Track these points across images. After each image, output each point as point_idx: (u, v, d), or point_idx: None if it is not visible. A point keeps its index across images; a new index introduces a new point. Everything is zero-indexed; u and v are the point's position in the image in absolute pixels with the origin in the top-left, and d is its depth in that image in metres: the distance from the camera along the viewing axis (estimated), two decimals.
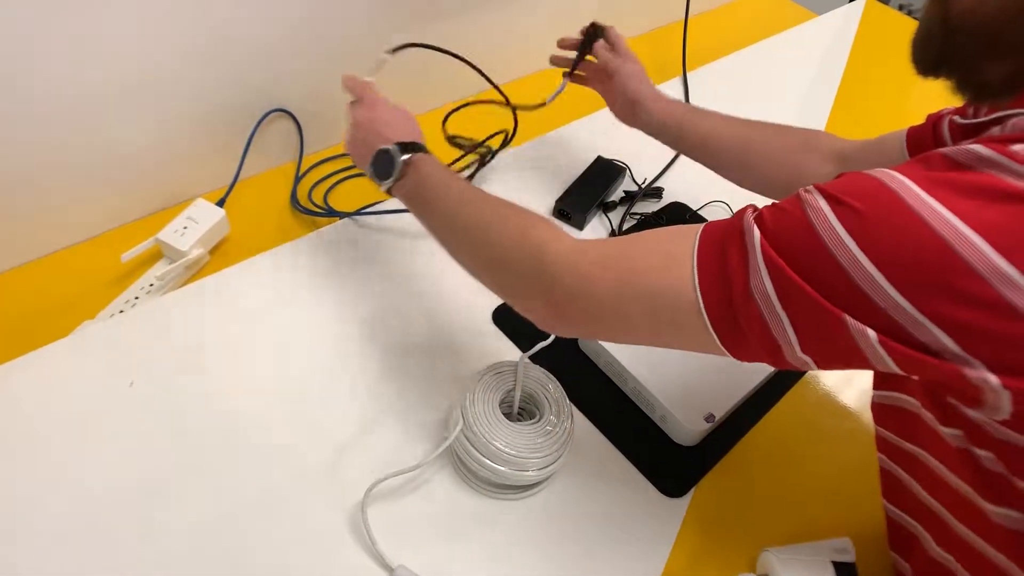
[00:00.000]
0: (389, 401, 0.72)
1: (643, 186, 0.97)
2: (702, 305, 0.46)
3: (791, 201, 0.45)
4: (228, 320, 0.77)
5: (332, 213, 0.91)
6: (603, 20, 0.90)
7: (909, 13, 1.69)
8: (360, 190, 0.96)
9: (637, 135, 0.88)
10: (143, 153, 0.84)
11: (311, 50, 0.91)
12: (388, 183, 0.68)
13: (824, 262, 0.41)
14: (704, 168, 0.84)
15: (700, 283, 0.46)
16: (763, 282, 0.43)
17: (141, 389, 0.69)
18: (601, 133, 1.05)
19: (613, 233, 0.91)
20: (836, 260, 0.41)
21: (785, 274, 0.42)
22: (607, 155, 1.00)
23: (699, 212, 0.95)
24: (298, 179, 0.96)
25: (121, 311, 0.78)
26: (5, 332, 0.74)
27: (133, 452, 0.65)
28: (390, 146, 0.67)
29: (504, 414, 0.66)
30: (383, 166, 0.68)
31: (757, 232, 0.44)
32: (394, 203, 0.84)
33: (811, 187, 0.45)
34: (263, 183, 0.95)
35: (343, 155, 1.00)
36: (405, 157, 0.66)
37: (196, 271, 0.83)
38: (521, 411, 0.70)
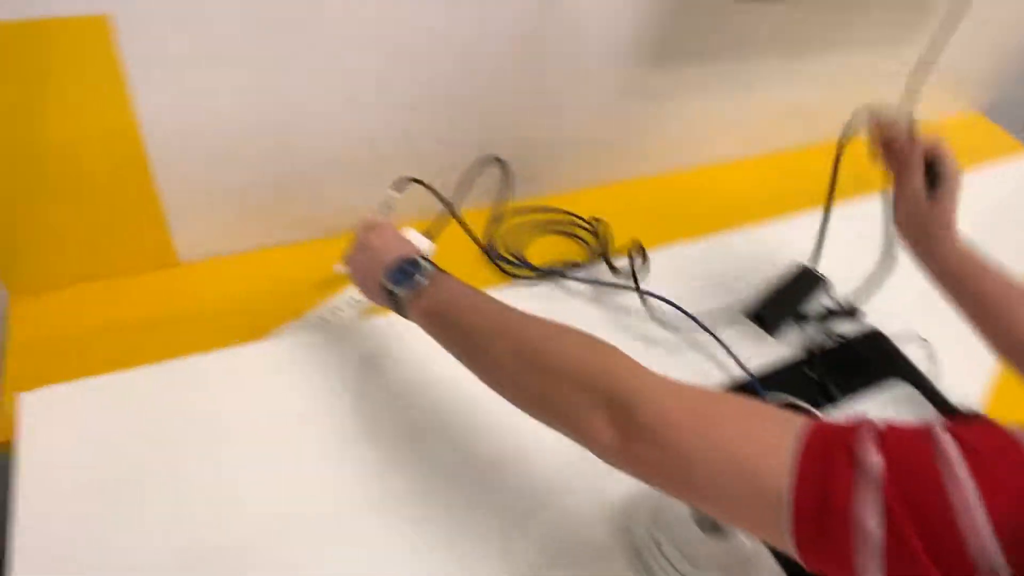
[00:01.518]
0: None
1: (841, 305, 0.94)
2: (790, 507, 0.42)
3: (921, 436, 0.41)
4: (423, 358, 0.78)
5: (525, 264, 0.92)
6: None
7: None
8: (555, 249, 0.97)
9: (845, 244, 0.86)
10: (372, 171, 0.88)
11: (526, 102, 0.93)
12: (409, 291, 0.62)
13: (947, 528, 0.38)
14: (907, 298, 0.80)
15: (796, 485, 0.42)
16: (872, 522, 0.39)
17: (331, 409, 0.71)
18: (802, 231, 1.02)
19: (812, 353, 0.88)
20: (959, 530, 0.37)
21: (904, 535, 0.39)
22: (797, 256, 0.97)
23: (899, 349, 0.91)
24: (496, 223, 0.98)
25: (322, 318, 0.81)
26: (229, 312, 0.80)
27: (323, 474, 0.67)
28: (414, 255, 0.64)
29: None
30: (403, 276, 0.62)
31: (879, 464, 0.40)
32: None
33: (944, 427, 0.41)
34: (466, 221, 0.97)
35: (545, 208, 1.02)
36: (428, 266, 0.62)
37: None
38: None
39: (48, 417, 0.66)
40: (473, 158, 0.94)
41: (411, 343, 0.78)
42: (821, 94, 1.20)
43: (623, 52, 0.93)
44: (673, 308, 0.86)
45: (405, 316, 0.63)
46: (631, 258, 0.91)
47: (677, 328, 0.86)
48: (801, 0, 1.00)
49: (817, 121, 1.25)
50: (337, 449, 0.68)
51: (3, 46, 0.62)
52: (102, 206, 0.78)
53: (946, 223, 0.74)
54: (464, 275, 0.86)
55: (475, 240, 0.89)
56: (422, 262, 0.62)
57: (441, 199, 0.83)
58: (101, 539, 0.59)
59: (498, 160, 0.97)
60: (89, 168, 0.74)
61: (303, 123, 0.81)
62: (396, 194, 0.79)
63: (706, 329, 0.85)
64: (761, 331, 0.90)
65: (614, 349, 0.53)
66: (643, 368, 0.51)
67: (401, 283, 0.62)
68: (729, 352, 0.83)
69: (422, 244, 0.86)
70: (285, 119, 0.80)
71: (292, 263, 0.89)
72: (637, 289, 0.87)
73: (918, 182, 0.74)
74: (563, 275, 0.90)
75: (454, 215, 0.86)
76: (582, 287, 0.91)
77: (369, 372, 0.75)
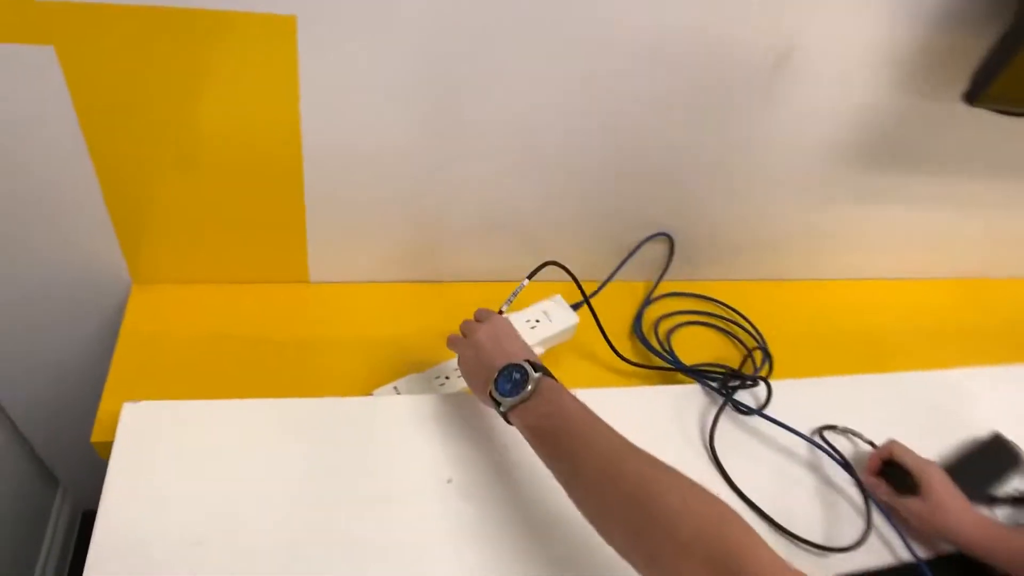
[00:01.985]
0: None
1: None
2: None
3: None
4: None
5: (675, 362, 0.81)
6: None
7: None
8: (704, 343, 0.86)
9: None
10: (542, 226, 0.81)
11: (713, 184, 0.83)
12: (513, 401, 0.57)
13: None
14: None
15: None
16: None
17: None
18: (1000, 386, 0.87)
19: None
20: None
21: None
22: (989, 418, 0.82)
23: None
24: (648, 302, 0.88)
25: (447, 377, 0.73)
26: (347, 345, 0.74)
27: None
28: (522, 361, 0.59)
29: None
30: (509, 384, 0.58)
31: None
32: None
33: None
34: (615, 294, 0.87)
35: (704, 297, 0.91)
36: (538, 375, 0.58)
37: None
38: None
39: (146, 431, 0.62)
40: (640, 230, 0.85)
41: None
42: None
43: (836, 152, 0.81)
44: (829, 454, 0.73)
45: (508, 422, 0.59)
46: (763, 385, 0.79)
47: (828, 480, 0.73)
48: None
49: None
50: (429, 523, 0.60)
51: (188, 32, 0.57)
52: (248, 209, 0.72)
53: (950, 510, 0.68)
54: (602, 354, 0.79)
55: (605, 338, 0.79)
56: (530, 369, 0.58)
57: (579, 288, 0.76)
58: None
59: (667, 237, 0.87)
60: (245, 168, 0.68)
61: (462, 169, 0.74)
62: (527, 282, 0.73)
63: (878, 505, 0.71)
64: None
65: (728, 508, 0.47)
66: (758, 537, 0.45)
67: (507, 392, 0.58)
68: (897, 529, 0.70)
69: (567, 319, 0.77)
70: (443, 161, 0.72)
71: (421, 304, 0.82)
72: (794, 431, 0.75)
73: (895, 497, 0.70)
74: (705, 379, 0.78)
75: (588, 306, 0.78)
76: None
77: (480, 446, 0.67)
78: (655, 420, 0.74)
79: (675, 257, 0.89)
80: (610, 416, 0.72)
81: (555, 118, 0.70)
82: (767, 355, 0.85)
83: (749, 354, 0.85)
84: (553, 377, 0.59)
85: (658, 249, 0.89)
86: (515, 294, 0.72)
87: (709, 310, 0.91)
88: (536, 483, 0.64)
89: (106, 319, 0.80)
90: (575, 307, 0.80)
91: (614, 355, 0.79)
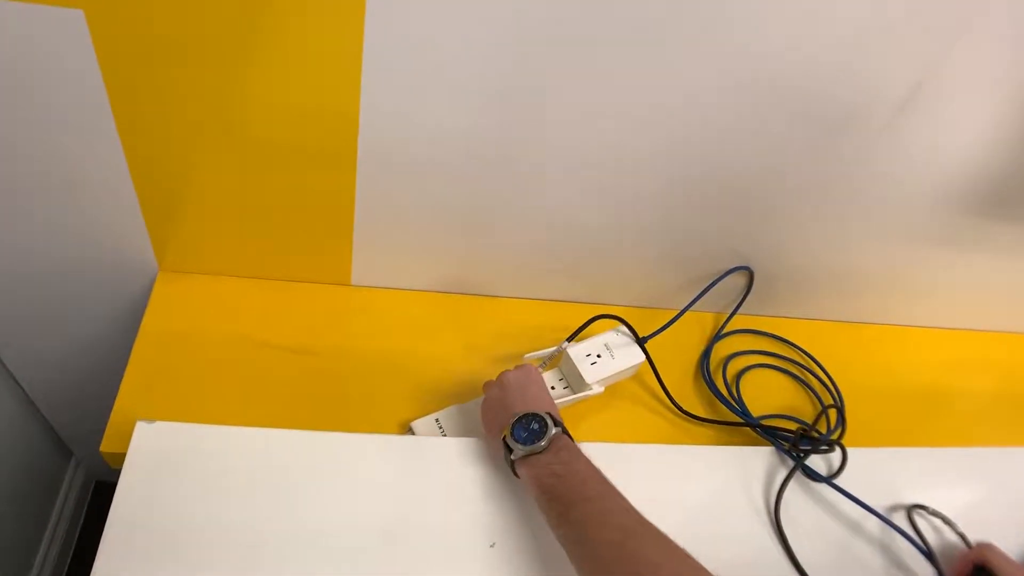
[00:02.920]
0: None
1: None
2: None
3: None
4: None
5: (741, 413, 0.73)
6: None
7: None
8: (779, 393, 0.77)
9: None
10: (609, 248, 0.73)
11: (808, 222, 0.74)
12: (526, 450, 0.54)
13: None
14: None
15: None
16: None
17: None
18: None
19: None
20: None
21: None
22: None
23: None
24: (718, 337, 0.80)
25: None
26: (383, 357, 0.67)
27: None
28: (543, 413, 0.56)
29: None
30: (524, 432, 0.56)
31: None
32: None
33: None
34: (683, 324, 0.79)
35: (776, 337, 0.83)
36: (556, 430, 0.55)
37: (581, 401, 0.70)
38: None
39: (159, 456, 0.55)
40: (716, 260, 0.77)
41: None
42: None
43: (946, 195, 0.71)
44: (912, 540, 0.65)
45: (513, 472, 0.56)
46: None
47: (901, 564, 0.65)
48: None
49: None
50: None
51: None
52: (291, 200, 0.65)
53: None
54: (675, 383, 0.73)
55: (666, 392, 0.72)
56: (550, 423, 0.56)
57: (636, 339, 0.70)
58: None
59: (747, 270, 0.78)
60: (292, 153, 0.60)
61: (532, 180, 0.65)
62: (567, 345, 0.68)
63: None
64: None
65: None
66: None
67: (521, 439, 0.55)
68: None
69: (632, 357, 0.69)
70: (512, 171, 0.64)
71: (468, 319, 0.75)
72: (874, 511, 0.66)
73: None
74: (776, 438, 0.70)
75: (650, 362, 0.71)
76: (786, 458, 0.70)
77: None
78: (716, 479, 0.66)
79: (752, 291, 0.81)
80: (669, 472, 0.64)
81: (638, 137, 0.62)
82: (841, 415, 0.76)
83: (824, 411, 0.76)
84: (571, 438, 0.56)
85: (733, 280, 0.80)
86: (551, 355, 0.68)
87: (782, 352, 0.82)
88: None
89: (130, 303, 0.74)
90: (643, 340, 0.71)
91: (678, 397, 0.71)
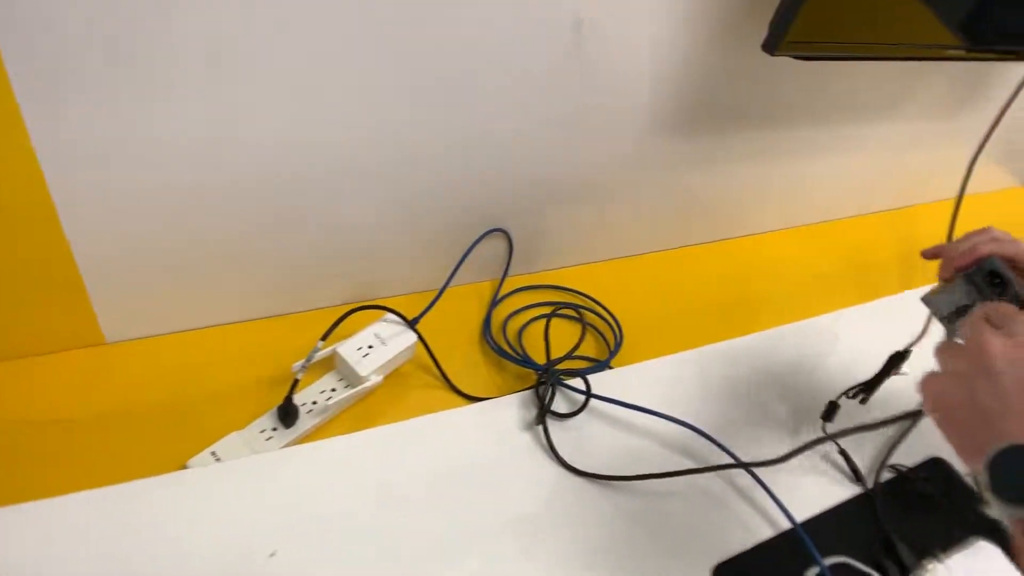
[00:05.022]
0: None
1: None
2: None
3: None
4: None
5: (527, 363, 0.77)
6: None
7: None
8: (568, 339, 0.82)
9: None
10: (355, 239, 0.73)
11: (545, 172, 0.78)
12: (1012, 512, 0.37)
13: None
14: None
15: None
16: None
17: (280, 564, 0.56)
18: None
19: (872, 494, 0.72)
20: None
21: None
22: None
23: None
24: (495, 302, 0.83)
25: (275, 429, 0.65)
26: (156, 410, 0.64)
27: None
28: None
29: None
30: (1014, 477, 0.37)
31: None
32: (616, 386, 0.70)
33: None
34: (459, 300, 0.82)
35: (550, 286, 0.87)
36: None
37: (364, 396, 0.70)
38: None
39: None
40: (474, 230, 0.80)
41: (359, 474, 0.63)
42: (872, 165, 1.06)
43: (659, 118, 0.78)
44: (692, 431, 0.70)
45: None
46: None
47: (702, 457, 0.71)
48: (852, 68, 0.86)
49: (865, 193, 1.12)
50: None
51: None
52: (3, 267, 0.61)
53: None
54: (458, 356, 0.75)
55: (438, 366, 0.75)
56: None
57: (401, 317, 0.72)
58: None
59: (502, 232, 0.82)
60: None
61: (258, 190, 0.65)
62: (321, 344, 0.67)
63: (743, 466, 0.69)
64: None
65: None
66: None
67: (1007, 489, 0.37)
68: (766, 488, 0.68)
69: (404, 340, 0.71)
70: (224, 190, 0.64)
71: (237, 349, 0.73)
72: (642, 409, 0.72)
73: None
74: (560, 382, 0.73)
75: (422, 341, 0.73)
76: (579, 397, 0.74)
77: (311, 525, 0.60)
78: (489, 432, 0.69)
79: (515, 251, 0.85)
80: (448, 437, 0.66)
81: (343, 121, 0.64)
82: (619, 337, 0.82)
83: (605, 341, 0.82)
84: None
85: (495, 246, 0.84)
86: (311, 359, 0.66)
87: (565, 300, 0.86)
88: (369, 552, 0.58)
89: None
90: (413, 322, 0.73)
91: (467, 369, 0.74)
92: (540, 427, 0.68)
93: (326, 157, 0.65)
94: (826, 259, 1.04)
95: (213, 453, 0.63)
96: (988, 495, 0.38)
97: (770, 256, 1.02)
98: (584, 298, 0.87)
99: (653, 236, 0.95)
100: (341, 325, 0.69)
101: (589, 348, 0.82)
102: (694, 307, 0.90)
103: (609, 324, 0.84)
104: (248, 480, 0.60)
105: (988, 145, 1.18)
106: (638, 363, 0.79)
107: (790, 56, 0.71)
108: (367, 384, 0.68)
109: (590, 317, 0.85)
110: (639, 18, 0.68)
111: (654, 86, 0.74)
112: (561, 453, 0.67)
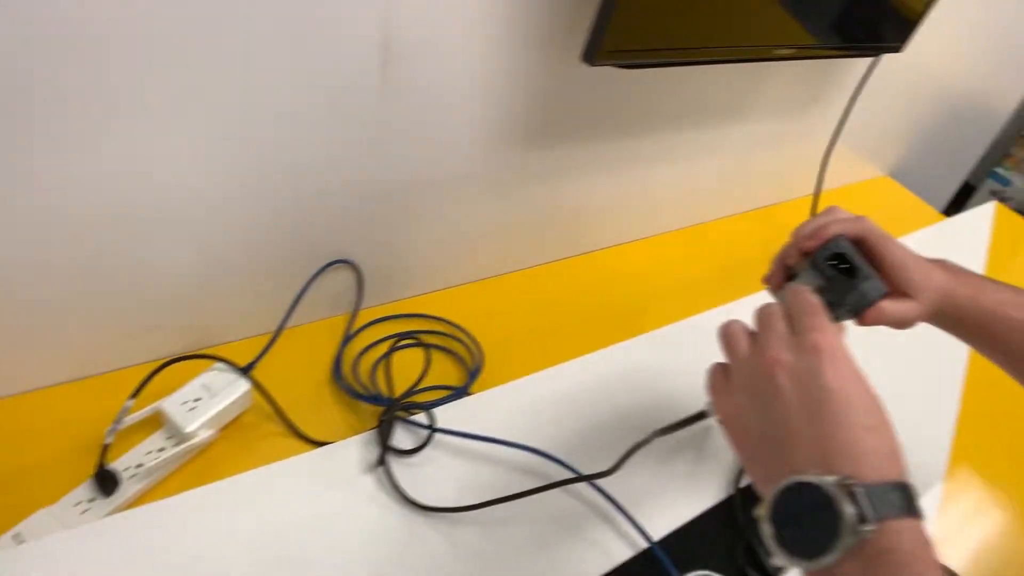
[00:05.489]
0: None
1: None
2: None
3: None
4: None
5: (379, 401, 0.73)
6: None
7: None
8: (419, 367, 0.79)
9: None
10: (172, 286, 0.68)
11: (385, 197, 0.76)
12: (787, 560, 0.33)
13: None
14: None
15: None
16: None
17: None
18: None
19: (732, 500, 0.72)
20: None
21: None
22: None
23: None
24: (347, 340, 0.80)
25: (91, 500, 0.60)
26: None
27: None
28: (860, 486, 0.32)
29: None
30: (802, 519, 0.32)
31: None
32: (464, 416, 0.68)
33: None
34: (308, 338, 0.78)
35: (406, 315, 0.84)
36: (870, 528, 0.31)
37: (198, 452, 0.66)
38: None
39: None
40: (313, 264, 0.76)
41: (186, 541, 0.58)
42: (731, 167, 1.08)
43: (497, 133, 0.76)
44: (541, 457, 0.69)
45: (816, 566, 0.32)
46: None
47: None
48: (692, 72, 0.87)
49: (727, 195, 1.14)
50: None
51: None
52: None
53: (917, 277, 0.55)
54: (304, 403, 0.71)
55: (276, 411, 0.70)
56: (913, 493, 0.33)
57: (241, 372, 0.64)
58: None
59: (348, 263, 0.79)
60: None
61: (68, 243, 0.60)
62: (130, 403, 0.64)
63: (585, 479, 0.67)
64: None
65: None
66: None
67: (782, 534, 0.32)
68: (615, 504, 0.66)
69: (236, 388, 0.67)
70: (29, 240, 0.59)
71: (49, 415, 0.66)
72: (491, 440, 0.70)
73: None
74: (399, 419, 0.70)
75: (258, 387, 0.67)
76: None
77: None
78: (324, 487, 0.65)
79: (366, 282, 0.81)
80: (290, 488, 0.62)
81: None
82: (479, 361, 0.79)
83: (466, 365, 0.79)
84: (915, 502, 0.33)
85: (345, 279, 0.81)
86: (120, 420, 0.62)
87: (422, 327, 0.84)
88: None
89: None
90: (247, 369, 0.69)
91: (318, 412, 0.71)
92: (382, 468, 0.65)
93: (132, 195, 0.60)
94: (693, 263, 1.05)
95: (16, 535, 0.57)
96: (768, 540, 0.32)
97: (636, 265, 1.01)
98: (445, 324, 0.84)
99: (513, 254, 0.93)
100: (168, 380, 0.65)
101: (450, 375, 0.79)
102: (557, 324, 0.89)
103: (469, 348, 0.82)
104: (61, 559, 0.55)
105: (850, 137, 1.22)
106: (497, 387, 0.77)
107: (611, 66, 0.71)
108: (196, 440, 0.64)
109: (450, 343, 0.82)
110: (451, 37, 0.66)
111: (485, 101, 0.73)
112: (407, 491, 0.64)
